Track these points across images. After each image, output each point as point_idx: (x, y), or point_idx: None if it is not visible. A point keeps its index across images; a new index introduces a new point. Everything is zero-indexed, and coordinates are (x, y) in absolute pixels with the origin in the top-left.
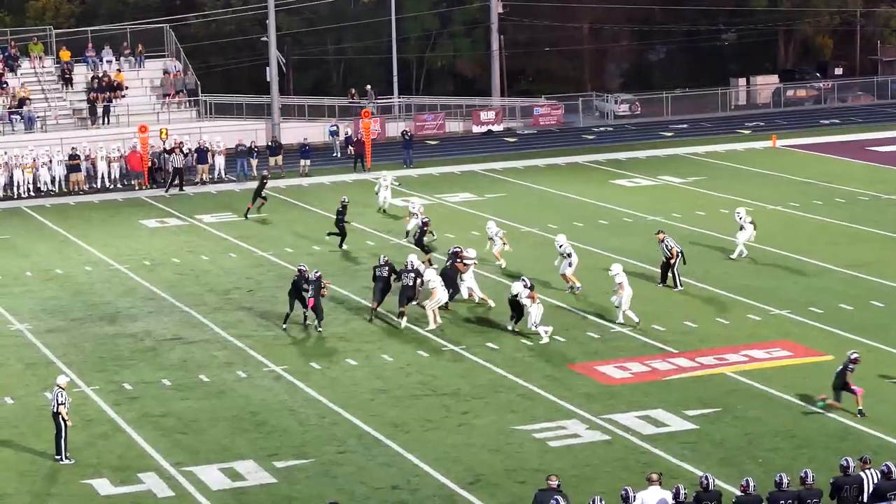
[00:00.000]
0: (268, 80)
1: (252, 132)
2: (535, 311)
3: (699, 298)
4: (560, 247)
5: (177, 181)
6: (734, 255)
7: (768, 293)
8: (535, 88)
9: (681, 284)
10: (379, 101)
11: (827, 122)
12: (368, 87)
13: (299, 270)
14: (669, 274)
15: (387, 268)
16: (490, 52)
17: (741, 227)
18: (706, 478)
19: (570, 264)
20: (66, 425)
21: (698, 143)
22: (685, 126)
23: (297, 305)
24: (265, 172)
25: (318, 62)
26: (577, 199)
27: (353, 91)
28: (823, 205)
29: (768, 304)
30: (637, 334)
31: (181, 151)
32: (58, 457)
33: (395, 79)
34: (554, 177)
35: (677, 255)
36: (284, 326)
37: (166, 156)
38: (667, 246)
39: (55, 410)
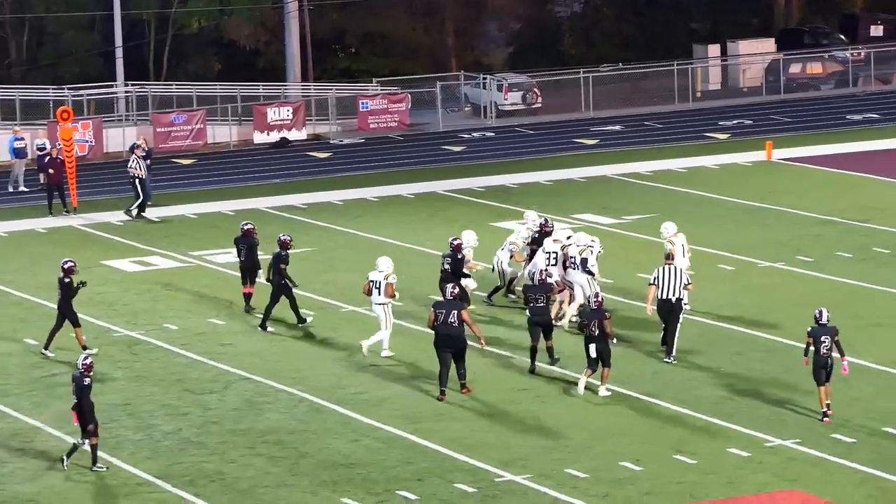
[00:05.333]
0: None
1: None
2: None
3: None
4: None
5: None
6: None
7: (762, 412)
8: (360, 67)
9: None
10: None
11: (858, 116)
12: None
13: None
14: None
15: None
16: (283, 5)
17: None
18: None
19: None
20: None
21: (640, 156)
22: (618, 128)
23: None
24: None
25: None
26: (433, 254)
27: None
28: (854, 259)
29: (764, 431)
30: None
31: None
32: None
33: (119, 52)
34: (395, 217)
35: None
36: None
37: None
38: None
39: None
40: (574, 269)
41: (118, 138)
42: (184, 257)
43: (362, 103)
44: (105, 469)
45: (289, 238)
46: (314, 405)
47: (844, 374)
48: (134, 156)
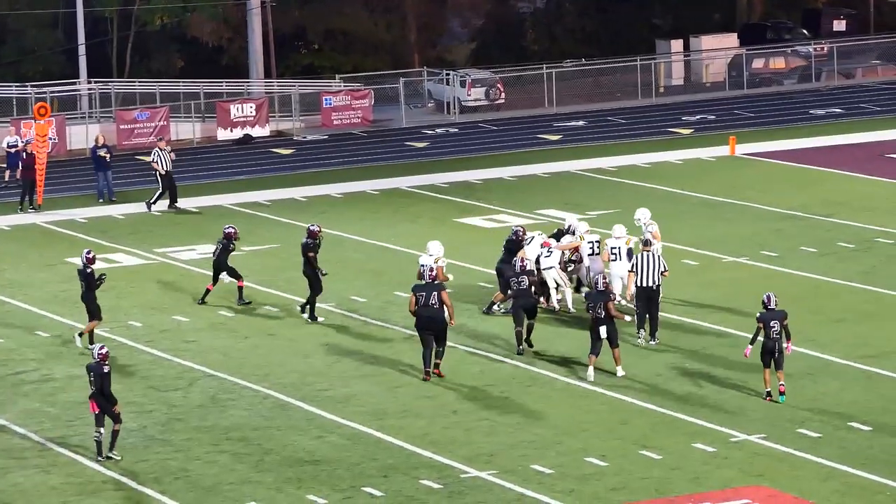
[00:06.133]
0: None
1: None
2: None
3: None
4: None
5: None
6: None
7: (727, 407)
8: (323, 63)
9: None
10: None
11: (822, 111)
12: None
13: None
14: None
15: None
16: (245, 1)
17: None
18: None
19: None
20: None
21: (604, 151)
22: (581, 123)
23: None
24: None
25: None
26: (397, 250)
27: None
28: (818, 254)
29: (730, 426)
30: None
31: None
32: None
33: (82, 49)
34: (359, 213)
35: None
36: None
37: None
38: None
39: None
40: (616, 261)
41: (81, 136)
42: (148, 254)
43: (325, 100)
44: (120, 458)
45: (318, 229)
46: (279, 402)
47: (788, 353)
48: (157, 149)
